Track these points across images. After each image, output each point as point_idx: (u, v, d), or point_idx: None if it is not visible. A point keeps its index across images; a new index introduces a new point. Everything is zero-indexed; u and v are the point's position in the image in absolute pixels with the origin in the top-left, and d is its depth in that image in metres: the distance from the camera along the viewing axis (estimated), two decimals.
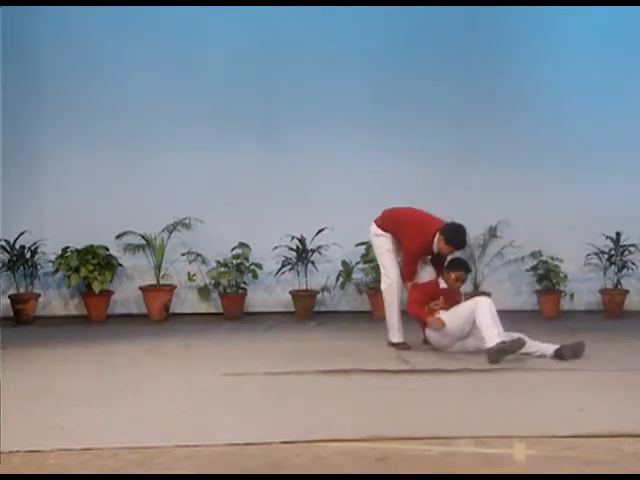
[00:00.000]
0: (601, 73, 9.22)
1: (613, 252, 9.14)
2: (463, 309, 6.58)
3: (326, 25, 9.22)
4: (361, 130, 9.19)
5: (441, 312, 6.65)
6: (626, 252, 9.11)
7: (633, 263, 9.11)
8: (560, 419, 4.56)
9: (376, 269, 8.90)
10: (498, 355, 6.13)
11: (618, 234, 9.10)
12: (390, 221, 6.99)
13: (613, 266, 9.17)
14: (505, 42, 9.28)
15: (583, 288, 9.33)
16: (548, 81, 9.29)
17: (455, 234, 6.73)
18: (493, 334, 6.21)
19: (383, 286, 7.03)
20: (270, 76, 9.26)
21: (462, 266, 6.96)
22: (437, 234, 6.70)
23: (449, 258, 6.95)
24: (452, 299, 6.77)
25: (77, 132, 9.13)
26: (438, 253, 6.85)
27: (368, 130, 9.19)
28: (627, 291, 9.17)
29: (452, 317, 6.56)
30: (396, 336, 6.91)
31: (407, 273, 6.92)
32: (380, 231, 7.00)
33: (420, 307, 6.70)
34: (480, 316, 6.35)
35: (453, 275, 6.83)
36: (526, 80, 9.29)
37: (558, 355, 6.29)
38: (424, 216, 6.93)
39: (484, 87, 9.25)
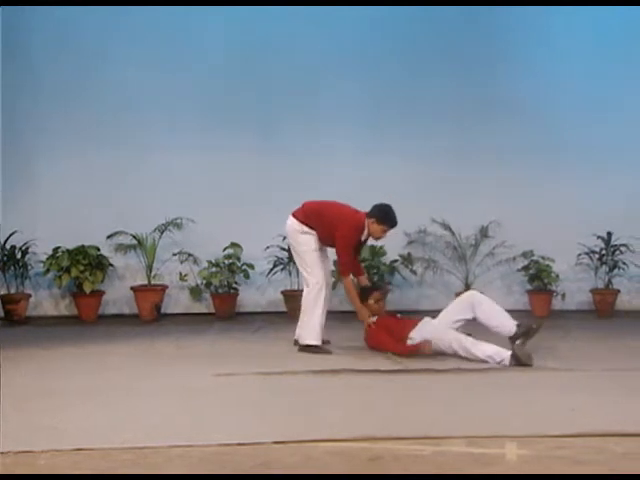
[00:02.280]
0: (594, 74, 9.26)
1: (604, 252, 9.17)
2: (455, 308, 6.62)
3: (323, 25, 9.23)
4: (354, 130, 9.20)
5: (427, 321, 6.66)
6: (617, 252, 9.14)
7: (624, 263, 9.14)
8: (551, 419, 4.57)
9: (369, 269, 8.97)
10: (526, 338, 6.24)
11: (609, 234, 9.13)
12: (316, 215, 6.74)
13: (604, 266, 9.20)
14: (499, 42, 9.31)
15: (574, 288, 9.36)
16: (540, 82, 9.32)
17: (386, 212, 6.70)
18: (509, 322, 6.33)
19: (307, 289, 6.76)
20: (264, 76, 9.27)
21: (371, 288, 7.03)
22: (367, 219, 6.66)
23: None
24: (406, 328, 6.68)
25: (68, 132, 9.12)
26: (365, 240, 6.86)
27: (361, 130, 9.21)
28: (618, 291, 9.20)
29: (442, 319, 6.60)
30: (316, 338, 6.69)
31: (347, 265, 6.71)
32: (306, 228, 6.74)
33: (403, 343, 6.54)
34: (483, 309, 6.40)
35: (372, 301, 6.82)
36: (518, 81, 9.32)
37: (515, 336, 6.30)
38: (349, 207, 6.83)
39: (477, 88, 9.28)
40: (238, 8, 8.99)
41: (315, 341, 6.70)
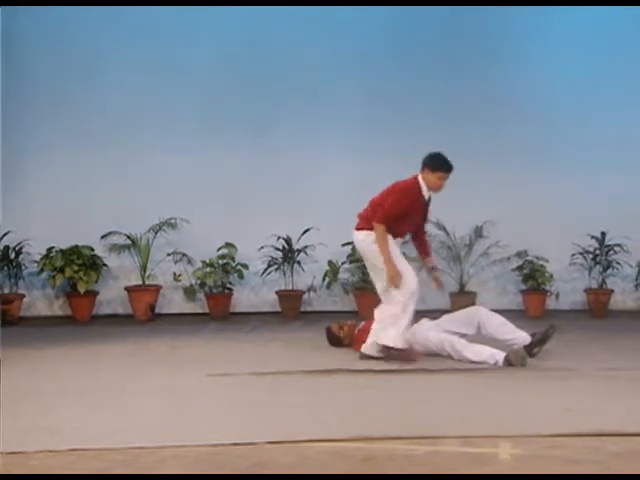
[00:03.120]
0: (587, 74, 9.25)
1: (598, 252, 9.18)
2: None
3: (316, 25, 9.21)
4: (347, 130, 9.19)
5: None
6: (611, 252, 9.15)
7: (618, 263, 9.15)
8: (545, 418, 4.57)
9: (363, 269, 8.96)
10: (539, 347, 6.31)
11: (603, 234, 9.14)
12: (377, 205, 6.34)
13: (598, 266, 9.20)
14: (492, 42, 9.29)
15: (568, 288, 9.36)
16: (534, 82, 9.32)
17: (437, 157, 6.43)
18: (522, 333, 6.36)
19: (400, 293, 6.20)
20: (258, 76, 9.25)
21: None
22: (419, 175, 6.40)
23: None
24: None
25: (62, 132, 9.10)
26: (428, 201, 6.49)
27: (354, 130, 9.19)
28: (612, 291, 9.21)
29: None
30: (400, 341, 6.23)
31: (385, 216, 6.25)
32: (371, 234, 6.29)
33: None
34: (493, 326, 6.42)
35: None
36: (512, 81, 9.31)
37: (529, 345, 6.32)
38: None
39: (471, 88, 9.26)
40: (232, 9, 8.97)
41: (395, 343, 6.21)
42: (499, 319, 6.49)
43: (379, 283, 6.37)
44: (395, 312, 6.21)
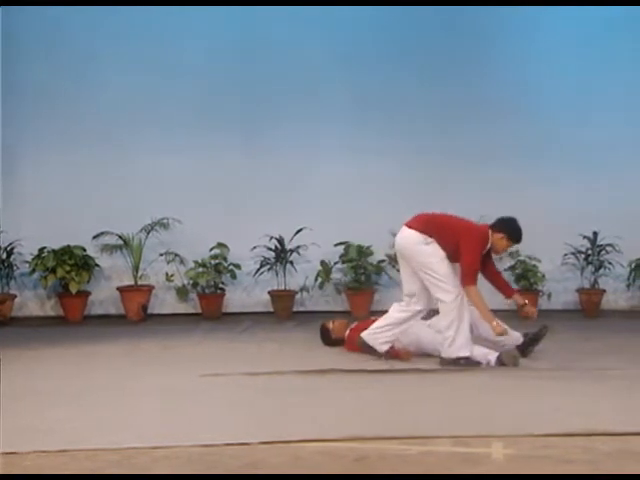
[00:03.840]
0: (582, 74, 9.25)
1: (590, 252, 9.19)
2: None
3: (309, 26, 9.19)
4: (341, 130, 9.20)
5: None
6: (603, 252, 9.16)
7: (610, 263, 9.16)
8: (537, 418, 4.59)
9: (355, 269, 8.98)
10: (532, 347, 6.37)
11: (595, 234, 9.15)
12: (438, 225, 6.27)
13: (590, 266, 9.22)
14: (486, 42, 9.30)
15: (560, 288, 9.37)
16: (528, 82, 9.33)
17: (517, 228, 6.41)
18: (515, 333, 6.40)
19: (448, 301, 6.12)
20: (251, 76, 9.23)
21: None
22: (493, 232, 6.31)
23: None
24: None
25: (54, 132, 9.06)
26: (487, 252, 6.43)
27: (348, 130, 9.20)
28: (604, 291, 9.23)
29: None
30: (468, 349, 6.17)
31: (473, 275, 6.20)
32: (429, 238, 6.20)
33: None
34: (486, 328, 6.40)
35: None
36: (507, 81, 9.32)
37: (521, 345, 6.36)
38: (465, 219, 6.48)
39: (464, 88, 9.26)
40: (228, 9, 8.96)
41: (467, 352, 6.15)
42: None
43: (413, 286, 6.30)
44: (452, 321, 6.15)
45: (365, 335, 6.47)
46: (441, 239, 6.20)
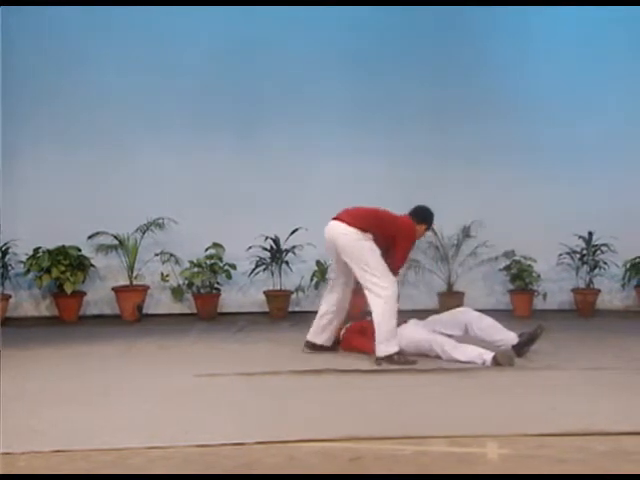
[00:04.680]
0: (577, 74, 9.26)
1: (585, 252, 9.21)
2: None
3: (304, 25, 9.19)
4: (335, 130, 9.19)
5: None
6: (598, 252, 9.18)
7: (605, 262, 9.18)
8: (532, 418, 4.59)
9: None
10: (528, 347, 6.36)
11: (590, 234, 9.16)
12: (372, 221, 6.37)
13: (585, 266, 9.24)
14: (480, 43, 9.31)
15: (556, 287, 9.39)
16: (521, 82, 9.34)
17: (430, 214, 6.75)
18: (510, 333, 6.40)
19: (384, 298, 6.16)
20: (246, 76, 9.24)
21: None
22: (417, 224, 6.58)
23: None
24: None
25: (49, 132, 9.06)
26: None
27: (343, 129, 9.19)
28: (599, 290, 9.24)
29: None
30: (397, 344, 6.22)
31: (398, 270, 6.51)
32: (367, 234, 6.29)
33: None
34: (481, 327, 6.43)
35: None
36: (499, 81, 9.33)
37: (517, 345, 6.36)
38: (393, 213, 6.62)
39: (462, 88, 9.26)
40: (220, 9, 8.95)
41: (397, 347, 6.19)
42: (487, 320, 6.51)
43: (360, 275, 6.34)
44: (383, 318, 6.19)
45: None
46: (378, 235, 6.31)
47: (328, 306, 6.67)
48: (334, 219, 6.47)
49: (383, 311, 6.16)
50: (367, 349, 6.43)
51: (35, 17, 8.97)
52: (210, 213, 9.00)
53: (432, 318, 6.72)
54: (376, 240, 6.31)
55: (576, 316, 9.05)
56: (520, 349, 6.32)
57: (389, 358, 6.15)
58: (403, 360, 6.15)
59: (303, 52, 9.21)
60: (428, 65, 9.31)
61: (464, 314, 6.64)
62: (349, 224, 6.32)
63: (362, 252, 6.25)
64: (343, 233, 6.33)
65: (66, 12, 8.95)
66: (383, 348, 6.17)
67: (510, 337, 6.40)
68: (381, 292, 6.18)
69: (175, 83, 9.16)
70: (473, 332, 6.45)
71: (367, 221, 6.35)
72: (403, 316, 6.86)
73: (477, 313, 6.59)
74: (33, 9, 8.82)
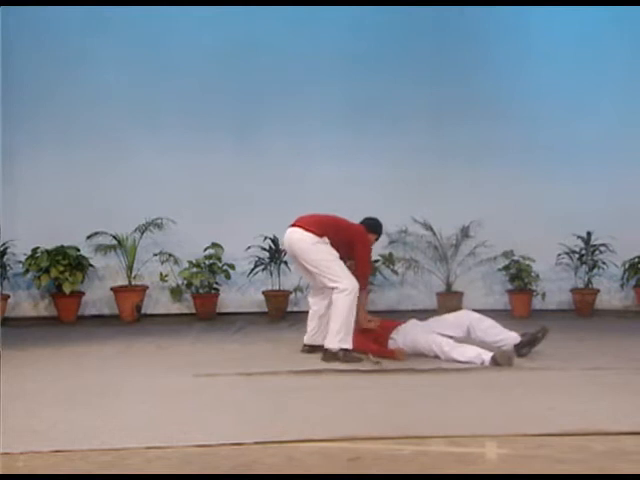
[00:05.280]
0: (575, 74, 9.29)
1: (584, 252, 9.21)
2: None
3: (302, 26, 9.22)
4: (334, 130, 9.21)
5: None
6: (597, 252, 9.19)
7: (604, 262, 9.19)
8: (531, 418, 4.58)
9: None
10: (530, 348, 6.36)
11: (589, 234, 9.17)
12: (328, 227, 6.49)
13: (584, 265, 9.24)
14: (477, 43, 9.33)
15: (554, 287, 9.40)
16: (519, 82, 9.36)
17: (379, 225, 6.90)
18: (512, 333, 6.40)
19: (344, 293, 6.27)
20: (244, 77, 9.26)
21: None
22: (368, 233, 6.73)
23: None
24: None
25: (48, 132, 9.08)
26: None
27: (340, 130, 9.21)
28: (598, 290, 9.25)
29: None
30: (349, 342, 6.34)
31: (366, 278, 6.71)
32: (325, 239, 6.42)
33: (378, 344, 6.54)
34: (482, 329, 6.43)
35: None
36: (497, 81, 9.35)
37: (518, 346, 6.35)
38: (347, 220, 6.74)
39: (459, 88, 9.28)
40: (218, 9, 8.97)
41: (349, 345, 6.30)
42: (488, 321, 6.50)
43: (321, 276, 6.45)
44: (339, 314, 6.30)
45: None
46: (336, 240, 6.44)
47: (318, 306, 6.71)
48: (291, 226, 6.59)
49: (342, 307, 6.27)
50: (367, 349, 6.43)
51: (34, 17, 8.98)
52: (209, 213, 9.01)
53: (432, 319, 6.71)
54: (334, 245, 6.44)
55: (575, 316, 9.05)
56: (521, 348, 6.32)
57: (335, 353, 6.26)
58: (348, 358, 6.23)
59: (302, 53, 9.23)
60: (426, 65, 9.33)
61: (466, 316, 6.62)
62: (305, 229, 6.45)
63: (319, 255, 6.40)
64: (299, 239, 6.45)
65: (65, 12, 8.96)
66: (333, 342, 6.29)
67: (512, 337, 6.39)
68: (340, 293, 6.30)
69: (174, 83, 9.18)
70: (475, 334, 6.44)
71: (322, 226, 6.48)
72: (402, 316, 6.89)
73: (477, 315, 6.58)
74: (33, 9, 8.83)
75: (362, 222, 6.79)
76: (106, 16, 9.05)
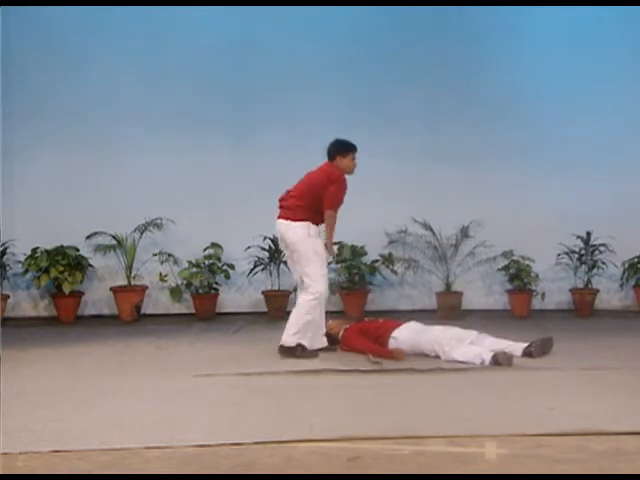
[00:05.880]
0: (573, 74, 9.26)
1: (583, 252, 9.20)
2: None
3: (298, 26, 9.19)
4: (333, 130, 9.13)
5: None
6: (596, 252, 9.17)
7: (603, 262, 9.18)
8: (530, 418, 4.58)
9: (349, 269, 8.98)
10: (538, 351, 6.35)
11: (588, 234, 9.16)
12: (303, 200, 6.55)
13: (583, 265, 9.23)
14: (476, 43, 9.31)
15: (554, 287, 9.38)
16: (518, 82, 9.33)
17: (342, 142, 6.82)
18: (519, 344, 6.42)
19: (310, 298, 6.43)
20: (242, 77, 9.24)
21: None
22: (335, 163, 6.73)
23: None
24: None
25: (47, 132, 9.07)
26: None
27: (339, 130, 9.14)
28: (597, 290, 9.24)
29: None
30: (300, 338, 6.45)
31: (337, 205, 6.59)
32: (311, 225, 6.52)
33: (378, 344, 6.53)
34: (491, 341, 6.45)
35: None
36: (497, 81, 9.32)
37: (527, 353, 6.33)
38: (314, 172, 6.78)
39: (456, 87, 9.26)
40: (215, 9, 8.94)
41: (305, 342, 6.44)
42: (490, 338, 6.51)
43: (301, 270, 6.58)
44: (298, 312, 6.50)
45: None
46: (319, 200, 6.51)
47: None
48: (278, 218, 6.68)
49: (307, 307, 6.45)
50: (366, 349, 6.43)
51: (34, 17, 8.97)
52: (208, 213, 9.00)
53: (437, 329, 6.65)
54: (321, 204, 6.50)
55: (574, 316, 9.04)
56: (530, 348, 6.32)
57: (292, 349, 6.40)
58: (305, 354, 6.37)
59: (301, 53, 9.20)
60: (425, 65, 9.30)
61: (471, 333, 6.58)
62: (292, 219, 6.55)
63: (307, 254, 6.49)
64: (287, 230, 6.59)
65: (65, 12, 8.94)
66: (291, 338, 6.44)
67: (517, 345, 6.41)
68: (307, 295, 6.47)
69: (174, 83, 9.15)
70: (482, 343, 6.43)
71: (303, 204, 6.53)
72: (402, 316, 6.88)
73: (483, 334, 6.56)
74: (32, 9, 8.82)
75: (330, 151, 6.77)
76: (106, 16, 9.03)
